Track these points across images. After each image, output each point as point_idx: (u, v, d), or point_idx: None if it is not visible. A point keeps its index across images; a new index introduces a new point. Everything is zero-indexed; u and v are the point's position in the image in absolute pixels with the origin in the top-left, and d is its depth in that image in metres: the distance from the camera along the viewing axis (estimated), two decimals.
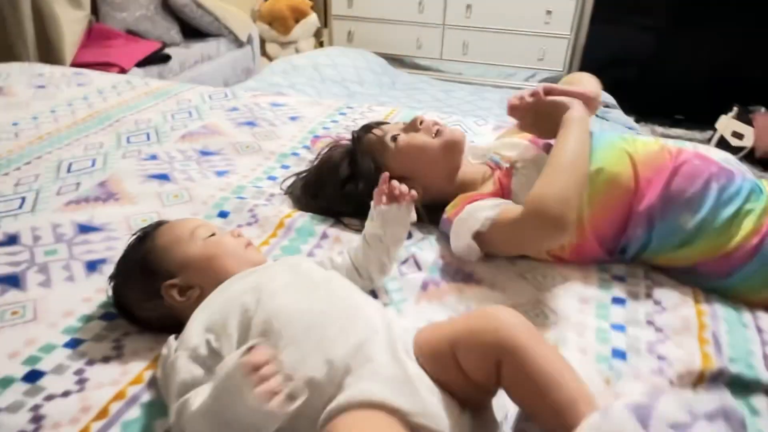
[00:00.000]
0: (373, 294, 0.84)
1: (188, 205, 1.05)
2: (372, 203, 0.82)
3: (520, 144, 1.02)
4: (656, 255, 0.88)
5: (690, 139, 3.35)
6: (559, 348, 0.73)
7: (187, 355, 0.62)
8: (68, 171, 1.16)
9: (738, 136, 3.13)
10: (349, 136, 1.35)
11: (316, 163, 1.09)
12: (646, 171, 0.88)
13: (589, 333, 0.77)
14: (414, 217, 0.82)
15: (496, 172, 1.00)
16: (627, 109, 3.17)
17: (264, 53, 3.95)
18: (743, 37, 3.22)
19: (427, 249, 0.94)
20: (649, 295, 0.84)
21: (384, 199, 0.80)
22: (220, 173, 1.18)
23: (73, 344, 0.72)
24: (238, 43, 3.46)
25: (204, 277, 0.72)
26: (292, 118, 1.46)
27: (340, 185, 1.00)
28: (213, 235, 0.77)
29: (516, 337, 0.56)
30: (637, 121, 3.45)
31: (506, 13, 3.53)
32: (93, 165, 1.19)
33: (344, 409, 0.55)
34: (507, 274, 0.89)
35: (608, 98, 3.18)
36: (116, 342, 0.73)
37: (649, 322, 0.79)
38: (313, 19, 4.02)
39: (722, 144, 3.14)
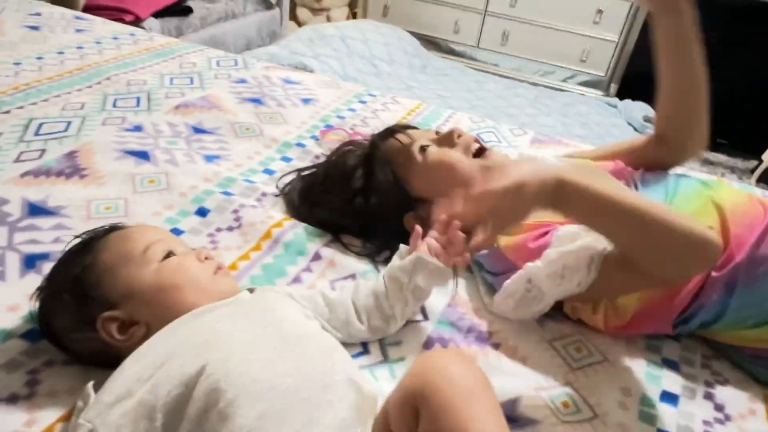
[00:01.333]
0: (365, 346, 0.67)
1: (163, 194, 0.89)
2: (410, 240, 0.66)
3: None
4: (724, 331, 0.71)
5: (731, 167, 3.14)
6: None
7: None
8: (35, 134, 1.00)
9: None
10: (365, 132, 1.18)
11: (323, 164, 0.92)
12: (736, 227, 0.70)
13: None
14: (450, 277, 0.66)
15: None
16: None
17: (294, 17, 3.75)
18: None
19: (438, 294, 0.76)
20: (709, 396, 0.67)
21: (428, 248, 0.64)
22: (209, 158, 1.01)
23: None
24: (267, 4, 3.26)
25: (153, 313, 0.56)
26: (305, 101, 1.28)
27: (349, 197, 0.82)
28: (169, 255, 0.61)
29: (438, 384, 0.43)
30: None
31: (554, 7, 3.31)
32: (66, 129, 1.02)
33: None
34: (532, 338, 0.72)
35: (650, 112, 2.98)
36: (32, 374, 0.58)
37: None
38: None
39: (766, 176, 2.93)
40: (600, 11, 3.25)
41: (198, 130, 1.10)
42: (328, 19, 3.85)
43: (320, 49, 2.89)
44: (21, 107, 1.08)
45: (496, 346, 0.70)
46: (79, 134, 1.02)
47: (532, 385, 0.64)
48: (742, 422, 0.64)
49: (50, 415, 0.54)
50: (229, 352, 0.50)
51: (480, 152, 0.83)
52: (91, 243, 0.61)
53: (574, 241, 0.67)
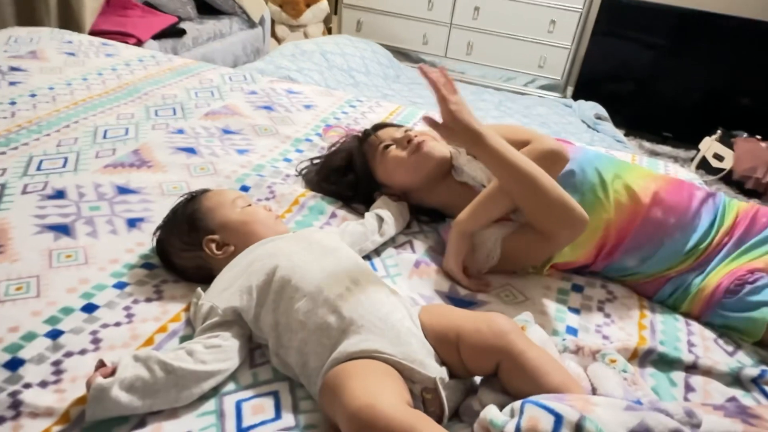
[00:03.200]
0: (372, 265, 0.99)
1: (213, 177, 1.19)
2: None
3: None
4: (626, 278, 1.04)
5: (674, 157, 3.53)
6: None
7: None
8: (104, 137, 1.29)
9: (719, 158, 3.29)
10: (358, 128, 1.50)
11: (327, 153, 1.24)
12: (617, 222, 1.02)
13: (550, 312, 0.93)
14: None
15: None
16: (618, 121, 3.31)
17: (273, 34, 4.04)
18: (735, 64, 3.36)
19: (423, 240, 1.09)
20: (603, 286, 1.00)
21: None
22: (240, 151, 1.31)
23: (120, 286, 0.86)
24: (250, 24, 3.56)
25: (239, 238, 0.87)
26: (307, 107, 1.59)
27: (342, 174, 1.15)
28: (249, 206, 0.92)
29: (514, 343, 0.68)
30: (627, 134, 3.60)
31: (512, 18, 3.64)
32: (126, 134, 1.32)
33: (343, 360, 0.67)
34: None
35: (601, 110, 3.33)
36: (156, 287, 0.88)
37: (600, 308, 0.95)
38: (323, 5, 4.11)
39: (703, 164, 3.32)
40: (553, 21, 3.59)
41: (227, 132, 1.40)
42: (305, 35, 4.15)
43: (302, 63, 3.19)
44: (85, 118, 1.37)
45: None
46: (137, 136, 1.31)
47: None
48: (622, 323, 0.94)
49: (176, 307, 0.84)
50: (289, 258, 0.81)
51: (417, 148, 1.11)
52: (195, 197, 0.92)
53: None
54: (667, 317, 0.93)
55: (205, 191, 0.94)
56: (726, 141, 3.28)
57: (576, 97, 3.64)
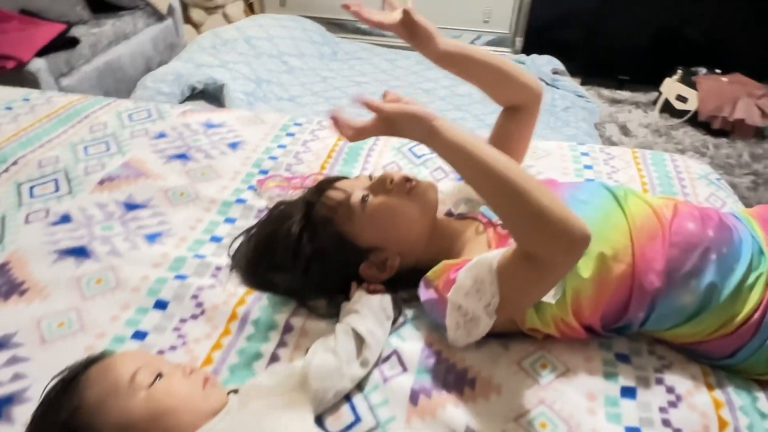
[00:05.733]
0: (355, 412, 0.71)
1: (115, 293, 0.87)
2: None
3: None
4: (655, 331, 0.80)
5: (635, 102, 3.36)
6: None
7: None
8: None
9: (682, 99, 3.15)
10: (301, 171, 1.19)
11: (265, 228, 0.92)
12: (641, 239, 0.77)
13: None
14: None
15: (490, 230, 0.86)
16: (572, 69, 3.13)
17: (188, 20, 3.57)
18: None
19: (409, 338, 0.81)
20: (660, 381, 0.76)
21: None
22: (151, 238, 0.99)
23: (161, 305, 0.84)
24: (158, 16, 3.08)
25: None
26: (232, 146, 1.26)
27: (302, 266, 0.84)
28: (159, 376, 0.61)
29: None
30: (583, 83, 3.43)
31: None
32: None
33: None
34: (502, 364, 0.78)
35: (557, 64, 3.11)
36: (195, 299, 0.85)
37: (665, 422, 0.71)
38: None
39: (667, 107, 3.16)
40: None
41: (130, 206, 1.06)
42: (225, 17, 3.69)
43: (226, 56, 2.79)
44: None
45: (473, 382, 0.76)
46: (3, 242, 0.96)
47: (512, 415, 0.71)
48: (691, 399, 0.74)
49: (221, 320, 0.83)
50: None
51: (412, 189, 0.86)
52: (72, 382, 0.61)
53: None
54: (753, 417, 0.71)
55: (85, 367, 0.63)
56: (687, 80, 3.15)
57: (527, 50, 3.46)
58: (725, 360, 0.77)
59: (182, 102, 2.41)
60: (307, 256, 0.83)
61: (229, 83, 2.48)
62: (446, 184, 1.11)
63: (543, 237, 0.66)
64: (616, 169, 1.22)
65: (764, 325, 0.74)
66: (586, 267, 0.75)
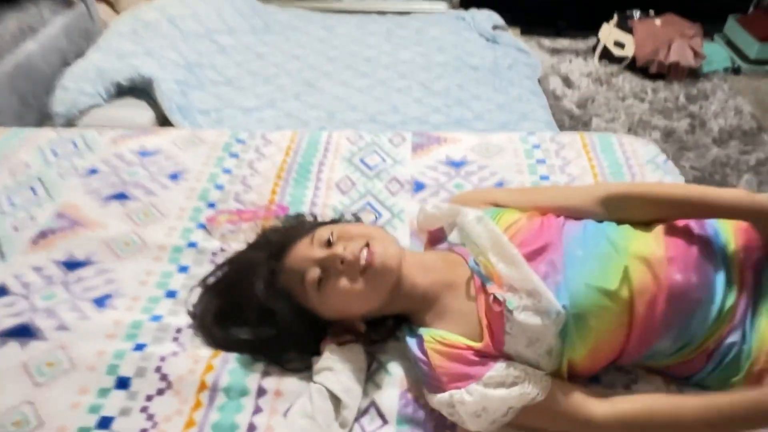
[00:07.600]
0: None
1: (71, 376, 0.81)
2: None
3: (520, 262, 0.78)
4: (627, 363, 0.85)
5: (575, 50, 3.37)
6: None
7: None
8: None
9: (620, 45, 3.18)
10: (251, 198, 1.13)
11: (227, 285, 0.88)
12: (640, 306, 0.78)
13: None
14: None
15: (481, 298, 0.80)
16: (509, 19, 3.08)
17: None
18: None
19: (385, 385, 0.80)
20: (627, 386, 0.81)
21: None
22: (100, 302, 0.92)
23: (123, 384, 0.79)
24: (66, 1, 2.80)
25: None
26: (173, 177, 1.18)
27: (271, 325, 0.81)
28: None
29: None
30: (523, 32, 3.40)
31: None
32: None
33: None
34: None
35: (497, 19, 3.06)
36: (158, 370, 0.79)
37: None
38: None
39: (606, 53, 3.19)
40: None
41: (71, 265, 0.98)
42: None
43: (149, 41, 2.59)
44: None
45: (453, 427, 0.77)
46: None
47: None
48: None
49: (190, 391, 0.79)
50: None
51: (366, 269, 0.80)
52: None
53: (502, 384, 0.73)
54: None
55: None
56: (624, 25, 3.18)
57: (465, 3, 3.36)
58: (684, 380, 0.83)
59: (108, 99, 2.23)
60: (274, 315, 0.81)
61: (157, 74, 2.31)
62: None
63: None
64: (567, 161, 1.22)
65: (715, 354, 0.79)
66: (583, 345, 0.77)
